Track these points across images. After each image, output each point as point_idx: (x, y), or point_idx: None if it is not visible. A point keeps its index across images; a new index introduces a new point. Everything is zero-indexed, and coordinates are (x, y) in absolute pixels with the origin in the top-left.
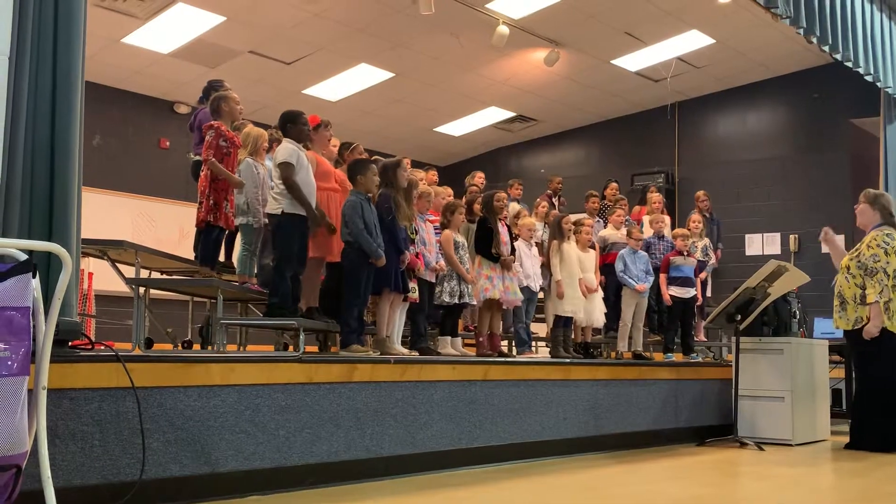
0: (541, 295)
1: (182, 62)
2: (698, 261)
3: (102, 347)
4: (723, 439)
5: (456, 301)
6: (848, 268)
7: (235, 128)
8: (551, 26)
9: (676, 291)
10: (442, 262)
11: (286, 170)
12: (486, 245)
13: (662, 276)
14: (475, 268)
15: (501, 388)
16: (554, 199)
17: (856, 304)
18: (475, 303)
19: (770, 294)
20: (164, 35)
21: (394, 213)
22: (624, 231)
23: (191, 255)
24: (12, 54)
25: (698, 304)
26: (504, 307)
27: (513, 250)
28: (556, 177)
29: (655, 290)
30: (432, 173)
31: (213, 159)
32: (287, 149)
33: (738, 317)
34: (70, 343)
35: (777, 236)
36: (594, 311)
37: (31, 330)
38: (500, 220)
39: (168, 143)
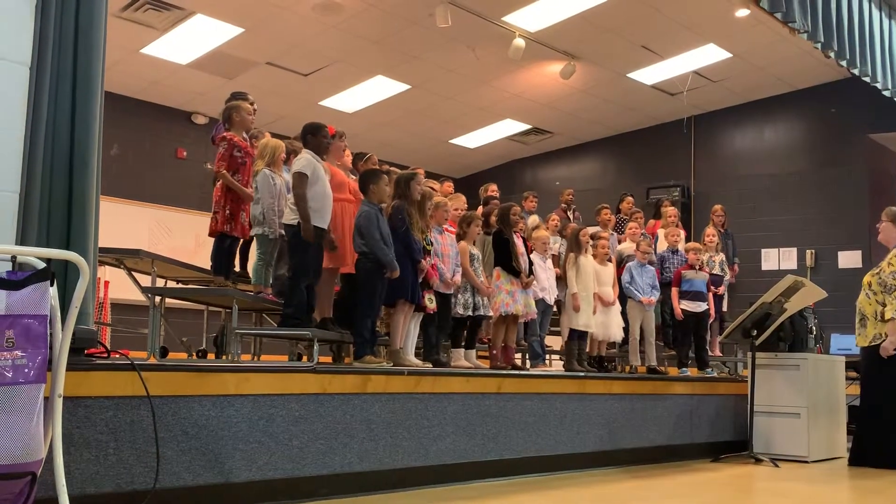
0: (555, 308)
1: (200, 73)
2: (715, 275)
3: (118, 356)
4: (738, 455)
5: (470, 313)
6: (870, 285)
7: (253, 136)
8: (567, 39)
9: (688, 305)
10: (458, 277)
11: (298, 180)
12: (506, 258)
13: (674, 290)
14: (494, 280)
15: (515, 401)
16: (568, 212)
17: (875, 321)
18: (491, 314)
19: (786, 309)
20: (182, 46)
21: (407, 224)
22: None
23: (207, 265)
24: (33, 64)
25: (711, 319)
26: (519, 320)
27: (530, 263)
28: (567, 189)
29: (670, 304)
30: (447, 184)
31: (225, 171)
32: (304, 159)
33: (755, 332)
34: (86, 351)
35: (793, 251)
36: (611, 325)
37: (48, 338)
38: (515, 232)
39: (185, 153)
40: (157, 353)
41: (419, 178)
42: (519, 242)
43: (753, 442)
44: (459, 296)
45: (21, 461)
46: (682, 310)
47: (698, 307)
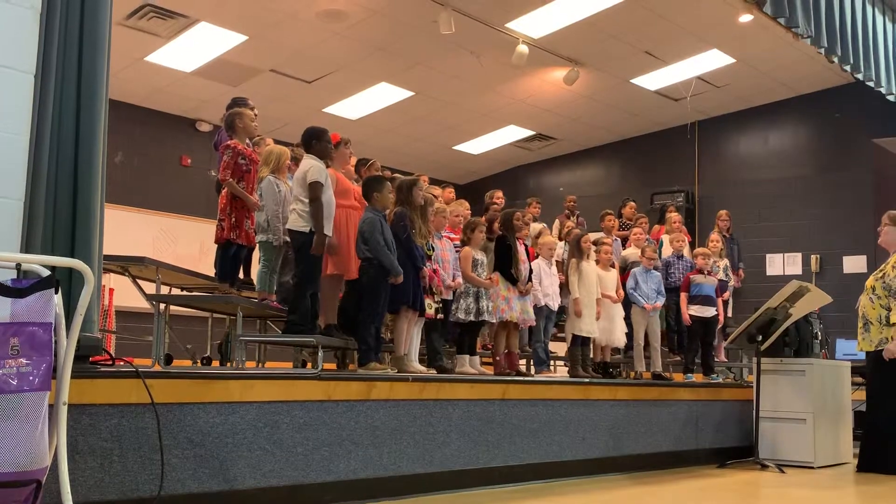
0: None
1: (204, 80)
2: (719, 280)
3: (122, 363)
4: (744, 461)
5: (472, 318)
6: (873, 288)
7: (255, 143)
8: (571, 45)
9: (696, 311)
10: (459, 279)
11: (317, 189)
12: (506, 264)
13: (683, 296)
14: (493, 286)
15: (520, 407)
16: (571, 218)
17: (881, 325)
18: (494, 321)
19: (791, 315)
20: (186, 54)
21: (409, 230)
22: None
23: (211, 272)
24: (38, 72)
25: (720, 324)
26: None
27: (531, 270)
28: (570, 196)
29: (676, 309)
30: (449, 190)
31: (231, 180)
32: (317, 167)
33: (760, 337)
34: (91, 359)
35: (798, 256)
36: (615, 331)
37: (53, 345)
38: (518, 238)
39: (189, 161)
40: (162, 360)
41: (421, 184)
42: (521, 249)
43: (759, 448)
44: (461, 301)
45: (26, 469)
46: (689, 315)
47: (706, 312)
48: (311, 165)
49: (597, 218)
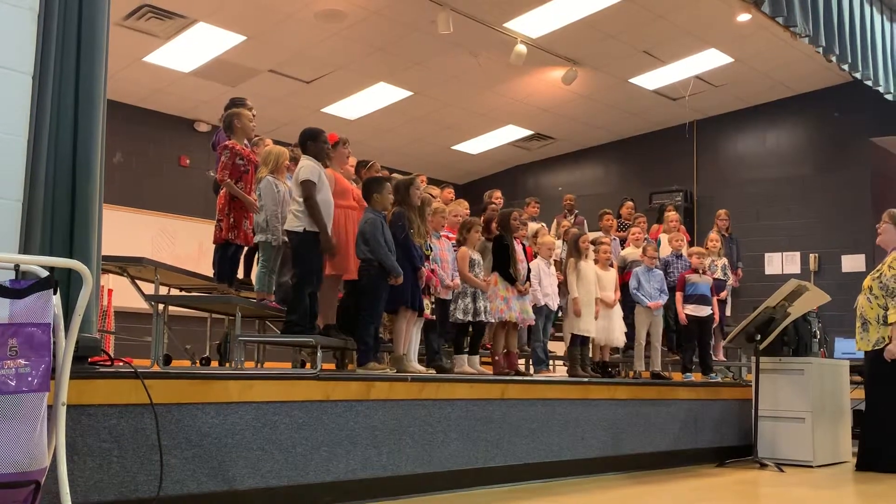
0: (560, 313)
1: (203, 81)
2: (717, 280)
3: (121, 364)
4: (742, 460)
5: (470, 318)
6: (870, 288)
7: (254, 143)
8: (569, 45)
9: (691, 310)
10: (457, 280)
11: (309, 188)
12: (504, 264)
13: (678, 295)
14: (491, 286)
15: (519, 406)
16: (569, 217)
17: (878, 325)
18: (493, 321)
19: (790, 314)
20: (185, 54)
21: (407, 230)
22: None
23: (210, 272)
24: (36, 73)
25: (715, 323)
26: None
27: (529, 269)
28: (568, 195)
29: (674, 309)
30: (448, 191)
31: (229, 180)
32: (309, 166)
33: (758, 336)
34: (89, 359)
35: (797, 255)
36: (614, 331)
37: (52, 346)
38: (515, 238)
39: (188, 161)
40: (161, 360)
41: (418, 184)
42: (519, 249)
43: (758, 447)
44: (459, 301)
45: (25, 470)
46: (685, 315)
47: (702, 311)
48: (303, 165)
49: (595, 218)
